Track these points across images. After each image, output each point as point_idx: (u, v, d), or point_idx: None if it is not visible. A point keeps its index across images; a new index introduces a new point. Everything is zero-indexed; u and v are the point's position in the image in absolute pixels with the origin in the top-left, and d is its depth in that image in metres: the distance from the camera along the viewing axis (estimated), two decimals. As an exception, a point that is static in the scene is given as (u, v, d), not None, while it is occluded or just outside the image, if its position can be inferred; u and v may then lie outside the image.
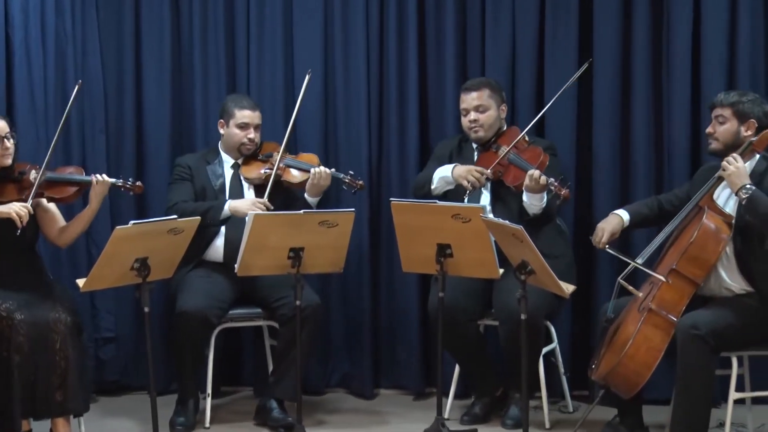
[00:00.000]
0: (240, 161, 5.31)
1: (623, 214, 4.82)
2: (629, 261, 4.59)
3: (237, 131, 5.24)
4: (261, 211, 4.94)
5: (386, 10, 5.66)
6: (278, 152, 5.19)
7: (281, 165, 5.19)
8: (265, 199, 5.07)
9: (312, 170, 5.13)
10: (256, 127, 5.27)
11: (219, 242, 5.18)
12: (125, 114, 5.71)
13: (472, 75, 5.57)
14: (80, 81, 5.11)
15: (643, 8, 5.42)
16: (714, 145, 4.61)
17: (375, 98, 5.69)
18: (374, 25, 5.66)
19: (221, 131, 5.32)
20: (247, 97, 5.43)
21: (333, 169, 5.19)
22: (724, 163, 4.44)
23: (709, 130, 4.63)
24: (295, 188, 5.25)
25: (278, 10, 5.69)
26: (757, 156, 4.52)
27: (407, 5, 5.62)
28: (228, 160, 5.32)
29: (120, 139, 5.71)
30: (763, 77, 5.33)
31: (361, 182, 5.17)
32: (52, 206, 4.88)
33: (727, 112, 4.56)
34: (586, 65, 5.19)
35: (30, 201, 4.63)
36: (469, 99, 5.20)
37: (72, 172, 4.92)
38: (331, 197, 5.53)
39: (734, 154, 4.45)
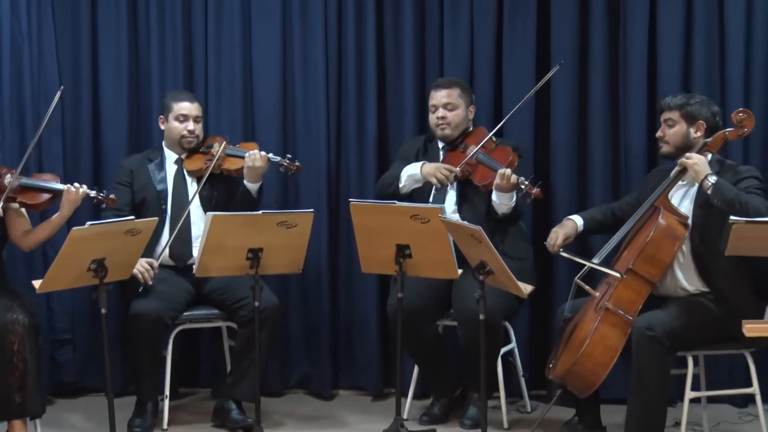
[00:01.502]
0: (183, 156, 5.28)
1: (577, 219, 4.87)
2: (584, 263, 4.62)
3: (176, 124, 5.22)
4: (142, 269, 4.93)
5: (344, 10, 5.66)
6: (220, 143, 5.18)
7: (222, 154, 5.16)
8: (198, 189, 5.09)
9: (246, 154, 5.10)
10: (196, 119, 5.24)
11: (164, 243, 5.14)
12: (82, 115, 5.67)
13: (430, 75, 5.60)
14: (62, 87, 5.09)
15: (599, 10, 5.46)
16: (665, 149, 4.65)
17: (333, 98, 5.69)
18: (333, 26, 5.66)
19: (162, 127, 5.30)
20: (186, 91, 5.42)
21: (270, 153, 5.15)
22: (684, 157, 4.49)
23: (659, 134, 4.67)
24: (235, 175, 5.21)
25: (236, 9, 5.67)
26: (709, 156, 4.56)
27: (366, 5, 5.62)
28: (171, 156, 5.29)
29: (76, 140, 5.67)
30: (717, 78, 5.38)
31: (297, 164, 5.12)
32: (23, 211, 4.86)
33: (675, 115, 4.61)
34: (557, 67, 5.21)
35: (0, 204, 4.61)
36: (439, 96, 5.21)
37: (48, 180, 4.90)
38: (290, 198, 5.52)
39: (689, 154, 4.49)
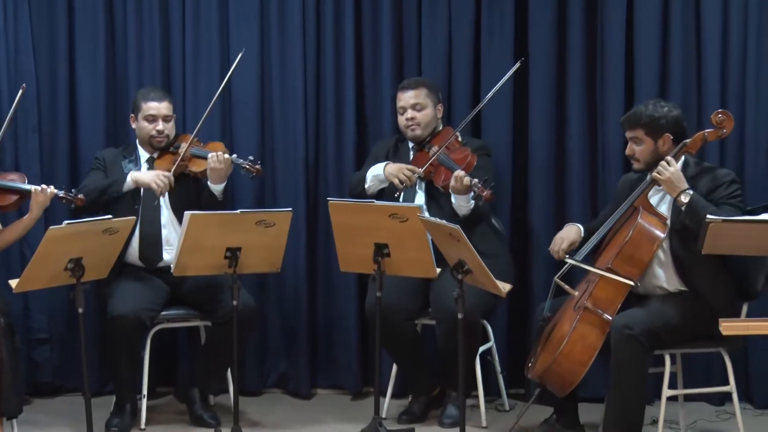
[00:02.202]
0: (155, 155, 5.26)
1: (578, 225, 4.84)
2: (594, 270, 4.56)
3: (145, 124, 5.19)
4: (162, 184, 4.99)
5: (323, 9, 5.65)
6: (186, 142, 5.14)
7: (188, 155, 5.13)
8: (168, 194, 5.08)
9: (209, 155, 5.06)
10: (165, 118, 5.20)
11: (134, 244, 5.13)
12: (58, 113, 5.64)
13: (408, 74, 5.59)
14: (24, 84, 5.06)
15: (577, 9, 5.47)
16: (636, 165, 4.65)
17: (312, 97, 5.68)
18: (311, 24, 5.65)
19: (133, 126, 5.28)
20: (157, 89, 5.35)
21: (234, 155, 5.13)
22: (660, 169, 4.48)
23: (628, 152, 4.66)
24: (201, 177, 5.18)
25: (213, 7, 5.65)
26: (682, 159, 4.57)
27: (344, 4, 5.62)
28: (144, 155, 5.27)
29: (53, 138, 5.64)
30: (694, 79, 5.41)
31: (258, 167, 5.07)
32: None
33: (639, 134, 4.59)
34: (518, 64, 5.22)
35: None
36: (406, 97, 5.21)
37: (14, 179, 4.88)
38: (267, 197, 5.51)
39: (668, 158, 4.50)
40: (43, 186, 4.80)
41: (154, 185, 5.01)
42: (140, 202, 5.15)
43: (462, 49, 5.59)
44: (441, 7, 5.57)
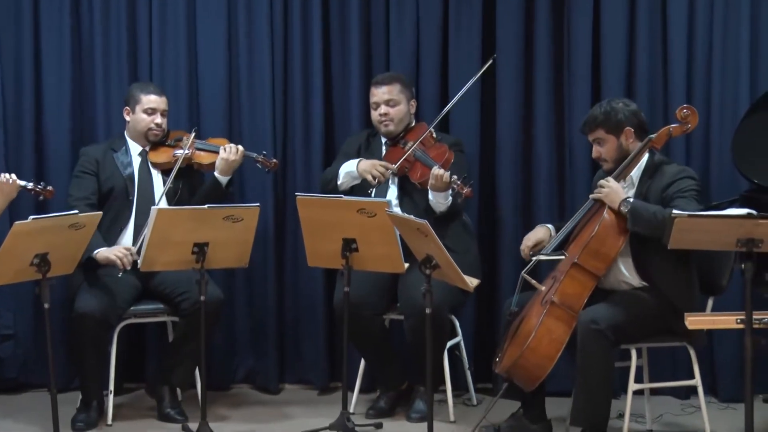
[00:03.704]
0: (147, 148, 5.26)
1: (550, 226, 4.86)
2: (559, 258, 4.63)
3: (144, 116, 5.20)
4: (127, 261, 4.89)
5: (290, 3, 5.65)
6: (188, 137, 5.19)
7: (191, 148, 5.17)
8: (168, 182, 5.07)
9: (223, 147, 5.14)
10: (163, 113, 5.23)
11: (128, 236, 5.12)
12: (24, 106, 5.61)
13: (376, 69, 5.60)
14: None
15: (544, 8, 5.50)
16: (606, 166, 4.68)
17: (279, 92, 5.68)
18: (278, 19, 5.64)
19: (127, 118, 5.26)
20: (153, 84, 5.40)
21: (248, 150, 5.20)
22: (598, 189, 4.56)
23: (594, 154, 4.70)
24: (205, 170, 5.24)
25: (180, 1, 5.63)
26: (646, 154, 4.62)
27: (311, -1, 5.64)
28: (135, 148, 5.26)
29: (18, 131, 5.60)
30: (660, 74, 5.45)
31: (275, 161, 5.20)
32: None
33: (600, 133, 4.63)
34: (490, 61, 5.25)
35: None
36: (380, 93, 5.22)
37: None
38: (235, 186, 5.51)
39: (609, 178, 4.55)
40: (6, 175, 4.75)
41: (117, 260, 4.91)
42: (134, 193, 5.15)
43: (430, 43, 5.61)
44: (409, 3, 5.58)
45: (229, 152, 5.12)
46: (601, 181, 4.57)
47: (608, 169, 4.68)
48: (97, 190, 5.16)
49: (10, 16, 5.59)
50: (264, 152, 5.21)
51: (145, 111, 5.20)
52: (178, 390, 5.20)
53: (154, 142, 5.25)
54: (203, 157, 5.20)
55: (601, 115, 4.61)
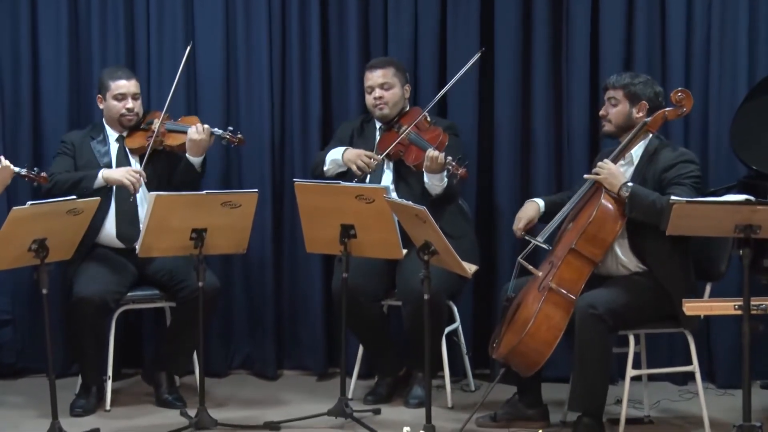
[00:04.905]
0: (125, 134, 5.25)
1: (539, 201, 4.88)
2: (546, 247, 4.65)
3: (115, 103, 5.18)
4: (134, 179, 4.96)
5: (288, -7, 5.66)
6: (158, 119, 5.15)
7: (162, 130, 5.14)
8: (141, 167, 5.05)
9: (189, 128, 5.09)
10: (134, 96, 5.19)
11: (110, 225, 5.12)
12: (21, 90, 5.61)
13: (374, 55, 5.60)
14: None
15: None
16: (607, 127, 4.71)
17: (277, 78, 5.67)
18: (276, 7, 5.63)
19: (101, 106, 5.25)
20: (123, 68, 5.36)
21: (215, 128, 5.16)
22: (597, 169, 4.57)
23: (602, 112, 4.73)
24: (177, 151, 5.19)
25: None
26: (650, 135, 4.64)
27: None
28: (112, 134, 5.25)
29: (16, 116, 5.61)
30: (659, 61, 5.45)
31: (240, 136, 5.12)
32: None
33: (619, 94, 4.66)
34: (478, 54, 5.23)
35: None
36: (375, 76, 5.22)
37: None
38: (233, 177, 5.51)
39: (606, 160, 4.57)
40: (2, 161, 4.74)
41: (126, 181, 4.98)
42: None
43: (428, 29, 5.61)
44: (407, -10, 5.60)
45: (196, 132, 5.06)
46: (600, 163, 4.58)
47: (607, 131, 4.71)
48: (73, 169, 5.16)
49: (6, 8, 5.58)
50: (230, 128, 5.16)
51: (115, 97, 5.17)
52: (176, 376, 5.21)
53: (129, 127, 5.23)
54: (174, 138, 5.15)
55: (629, 78, 4.66)
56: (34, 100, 5.64)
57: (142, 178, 4.99)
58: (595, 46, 5.48)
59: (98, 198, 4.70)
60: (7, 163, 4.75)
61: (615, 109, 4.67)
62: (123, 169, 5.05)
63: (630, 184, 4.48)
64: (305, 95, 5.67)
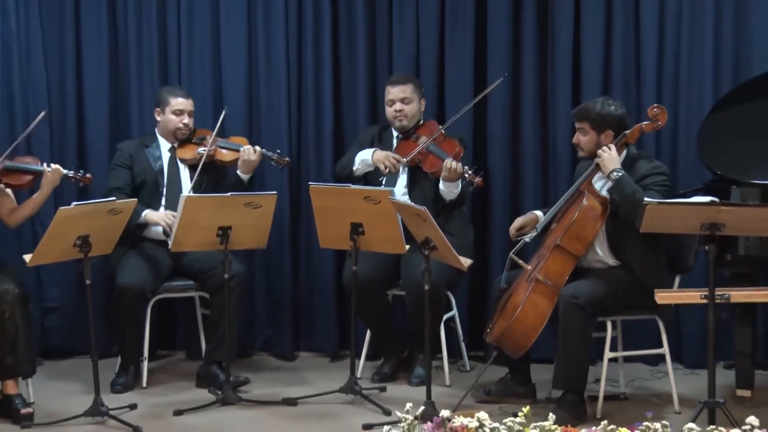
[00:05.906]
0: (176, 145, 5.30)
1: (538, 213, 4.90)
2: (528, 239, 4.70)
3: (173, 117, 5.24)
4: (169, 221, 4.99)
5: (303, 11, 5.66)
6: (211, 135, 5.21)
7: (213, 146, 5.20)
8: (195, 178, 5.09)
9: (241, 148, 5.16)
10: (190, 114, 5.27)
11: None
12: (67, 104, 5.66)
13: (380, 71, 5.64)
14: (47, 109, 5.19)
15: (530, 12, 5.51)
16: (581, 153, 4.74)
17: (294, 92, 5.70)
18: (293, 28, 5.66)
19: (158, 118, 5.30)
20: (180, 87, 5.43)
21: (264, 149, 5.22)
22: (599, 151, 4.59)
23: (575, 140, 4.74)
24: (227, 166, 5.27)
25: (206, 9, 5.66)
26: (624, 151, 4.65)
27: (322, 7, 5.64)
28: (165, 144, 5.30)
29: (63, 126, 5.65)
30: (634, 77, 5.46)
31: (287, 159, 5.22)
32: (8, 191, 4.85)
33: (586, 126, 4.67)
34: (500, 80, 5.24)
35: None
36: (396, 91, 5.25)
37: (29, 162, 4.91)
38: (256, 181, 5.55)
39: (610, 144, 4.59)
40: (53, 165, 4.83)
41: (162, 223, 5.04)
42: (164, 184, 5.20)
43: (428, 46, 5.62)
44: (409, 8, 5.60)
45: (248, 153, 5.14)
46: (604, 147, 4.58)
47: (582, 156, 4.73)
48: (131, 181, 5.21)
49: (54, 25, 5.62)
50: (278, 151, 5.24)
51: (174, 112, 5.23)
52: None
53: (182, 139, 5.29)
54: (225, 155, 5.21)
55: (594, 114, 4.64)
56: (78, 112, 5.68)
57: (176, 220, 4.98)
58: (577, 63, 5.48)
59: (135, 200, 4.75)
60: (57, 166, 4.83)
61: (585, 138, 4.69)
62: (162, 213, 5.08)
63: (620, 171, 4.50)
64: (319, 108, 5.68)
